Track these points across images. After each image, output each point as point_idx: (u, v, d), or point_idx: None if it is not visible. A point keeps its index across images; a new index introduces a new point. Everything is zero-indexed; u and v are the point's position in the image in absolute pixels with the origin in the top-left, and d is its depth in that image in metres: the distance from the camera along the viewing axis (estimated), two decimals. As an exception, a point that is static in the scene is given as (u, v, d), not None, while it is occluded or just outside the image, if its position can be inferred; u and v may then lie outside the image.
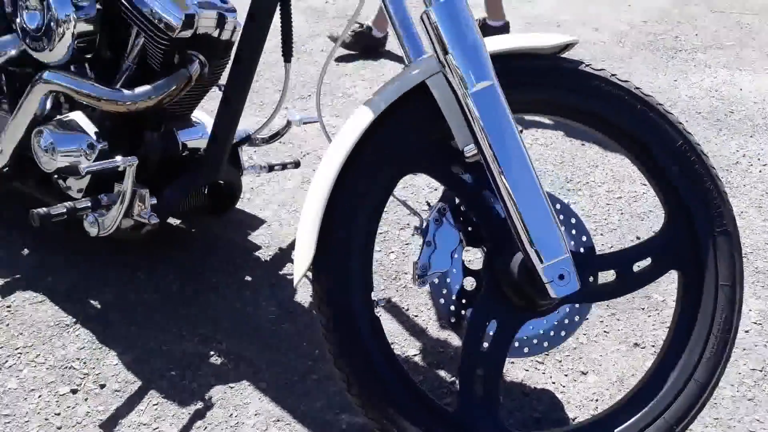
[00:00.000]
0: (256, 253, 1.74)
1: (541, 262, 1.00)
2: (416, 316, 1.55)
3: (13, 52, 1.54)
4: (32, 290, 1.59)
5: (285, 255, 1.74)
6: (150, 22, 1.31)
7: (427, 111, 1.09)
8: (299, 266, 1.06)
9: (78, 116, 1.44)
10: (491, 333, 1.14)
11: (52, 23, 1.31)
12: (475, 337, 1.13)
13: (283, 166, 1.79)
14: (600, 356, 1.42)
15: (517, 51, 1.10)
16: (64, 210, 1.28)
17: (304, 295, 1.59)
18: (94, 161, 1.38)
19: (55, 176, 1.49)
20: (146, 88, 1.34)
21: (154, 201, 1.37)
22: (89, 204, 1.33)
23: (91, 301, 1.55)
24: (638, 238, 1.81)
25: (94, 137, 1.42)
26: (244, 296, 1.58)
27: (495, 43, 1.09)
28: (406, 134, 1.10)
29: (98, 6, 1.34)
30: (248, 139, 1.62)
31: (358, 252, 1.09)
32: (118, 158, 1.30)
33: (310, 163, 2.13)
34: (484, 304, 1.13)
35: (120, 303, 1.55)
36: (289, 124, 1.65)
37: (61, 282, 1.61)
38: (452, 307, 1.20)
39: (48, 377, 1.36)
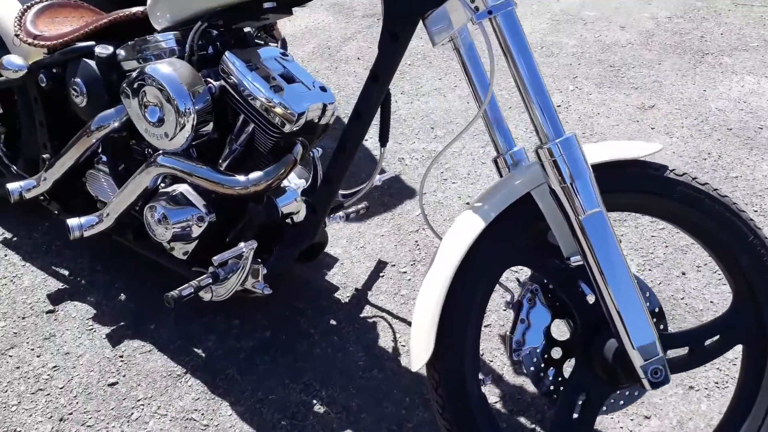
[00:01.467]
0: (336, 295, 1.89)
1: (639, 360, 1.16)
2: (491, 361, 1.72)
3: (116, 125, 1.64)
4: (139, 339, 1.74)
5: (361, 297, 1.89)
6: (264, 118, 1.42)
7: (530, 215, 1.23)
8: (418, 358, 1.22)
9: (186, 190, 1.57)
10: (580, 402, 1.31)
11: (172, 117, 1.42)
12: (568, 408, 1.30)
13: (357, 212, 1.92)
14: (660, 400, 1.60)
15: (613, 161, 1.22)
16: (192, 290, 1.42)
17: (386, 340, 1.75)
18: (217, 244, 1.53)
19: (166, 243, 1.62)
20: (258, 174, 1.46)
21: (266, 271, 1.51)
22: (211, 280, 1.47)
23: (196, 350, 1.71)
24: (683, 273, 1.97)
25: (204, 210, 1.55)
26: (333, 342, 1.74)
27: (595, 155, 1.22)
28: (510, 235, 1.24)
29: (210, 97, 1.45)
30: (341, 207, 1.76)
31: (471, 340, 1.24)
32: (242, 245, 1.44)
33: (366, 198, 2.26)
34: (577, 380, 1.29)
35: (222, 351, 1.71)
36: (371, 185, 1.78)
37: (162, 329, 1.76)
38: (541, 374, 1.37)
39: (173, 429, 1.54)
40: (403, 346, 1.73)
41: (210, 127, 1.46)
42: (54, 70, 1.75)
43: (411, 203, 2.26)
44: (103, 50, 1.65)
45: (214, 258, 1.42)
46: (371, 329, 1.79)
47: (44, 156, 1.87)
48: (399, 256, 2.03)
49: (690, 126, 2.69)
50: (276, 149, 1.48)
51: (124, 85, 1.51)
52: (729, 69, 3.11)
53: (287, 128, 1.42)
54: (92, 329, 1.78)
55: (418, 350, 1.23)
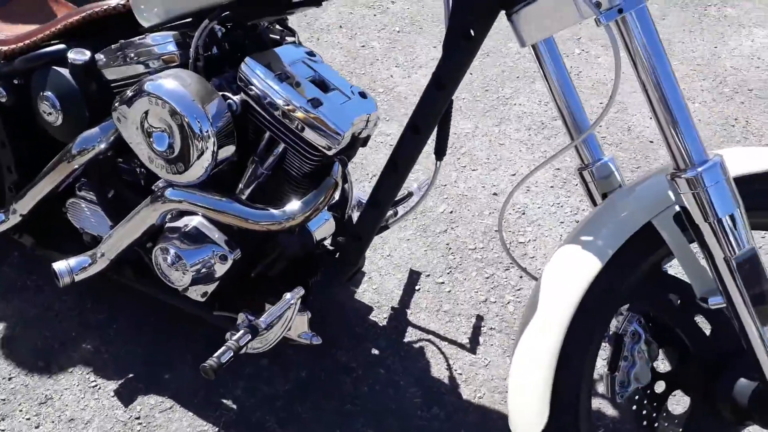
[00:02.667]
0: (372, 318, 1.67)
1: None
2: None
3: (102, 146, 1.35)
4: (154, 393, 1.49)
5: (400, 317, 1.68)
6: (300, 139, 1.16)
7: (650, 247, 1.03)
8: (528, 428, 1.03)
9: (201, 224, 1.30)
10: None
11: (187, 144, 1.14)
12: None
13: (384, 227, 1.68)
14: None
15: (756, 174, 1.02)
16: (232, 353, 1.18)
17: (438, 368, 1.55)
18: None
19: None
20: (295, 205, 1.21)
21: (310, 315, 1.28)
22: (250, 336, 1.22)
23: (224, 401, 1.48)
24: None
25: (226, 247, 1.29)
26: (380, 376, 1.53)
27: (735, 167, 1.01)
28: (628, 272, 1.04)
29: (231, 115, 1.17)
30: (384, 228, 1.52)
31: (585, 396, 1.06)
32: (288, 296, 1.19)
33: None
34: (697, 424, 1.13)
35: (255, 399, 1.48)
36: (410, 195, 1.54)
37: (180, 378, 1.52)
38: (644, 411, 1.20)
39: (215, 504, 1.32)
40: (459, 373, 1.54)
41: (231, 151, 1.19)
42: (15, 81, 1.42)
43: (433, 198, 2.04)
44: (79, 55, 1.33)
45: (261, 320, 1.18)
46: (419, 356, 1.58)
47: (10, 184, 1.55)
48: (432, 264, 1.82)
49: (710, 89, 2.53)
50: (314, 173, 1.23)
51: (118, 105, 1.21)
52: (735, 21, 2.95)
53: (331, 150, 1.16)
54: (96, 385, 1.51)
55: (528, 418, 1.03)
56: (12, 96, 1.43)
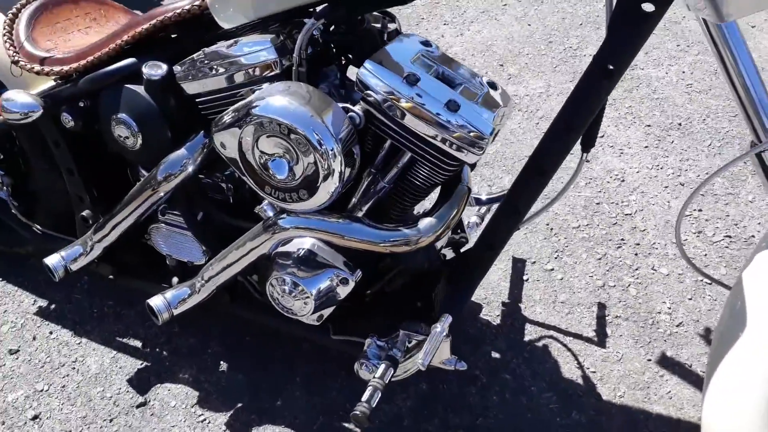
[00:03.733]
0: (483, 316, 1.55)
1: None
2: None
3: (190, 170, 1.19)
4: (269, 423, 1.38)
5: (514, 313, 1.55)
6: (436, 149, 1.00)
7: None
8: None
9: (317, 248, 1.15)
10: None
11: (312, 167, 0.99)
12: None
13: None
14: None
15: None
16: (380, 392, 1.06)
17: (568, 367, 1.43)
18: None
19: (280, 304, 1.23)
20: (430, 221, 1.06)
21: (450, 337, 1.15)
22: (392, 368, 1.10)
23: (346, 425, 1.37)
24: None
25: (345, 269, 1.15)
26: (507, 383, 1.42)
27: None
28: None
29: (354, 129, 1.01)
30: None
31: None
32: (438, 327, 1.06)
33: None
34: None
35: (379, 421, 1.36)
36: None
37: (292, 406, 1.41)
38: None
39: None
40: (593, 371, 1.43)
41: (355, 169, 1.04)
42: (81, 104, 1.26)
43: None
44: (155, 70, 1.16)
45: (420, 361, 1.05)
46: (545, 356, 1.47)
47: (84, 214, 1.41)
48: (536, 249, 1.68)
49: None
50: (444, 182, 1.08)
51: (219, 130, 1.05)
52: None
53: (472, 157, 1.00)
54: (204, 420, 1.41)
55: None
56: (79, 120, 1.26)
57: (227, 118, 1.04)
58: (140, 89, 1.19)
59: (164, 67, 1.16)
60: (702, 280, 1.57)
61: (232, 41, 1.09)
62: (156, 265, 1.49)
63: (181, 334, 1.57)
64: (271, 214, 1.15)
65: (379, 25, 1.15)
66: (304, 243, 1.17)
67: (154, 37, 1.21)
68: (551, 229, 1.73)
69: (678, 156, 1.88)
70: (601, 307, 1.54)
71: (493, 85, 1.08)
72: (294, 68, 1.05)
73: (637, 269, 1.62)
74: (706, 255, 1.63)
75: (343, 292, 1.17)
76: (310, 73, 1.07)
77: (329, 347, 1.47)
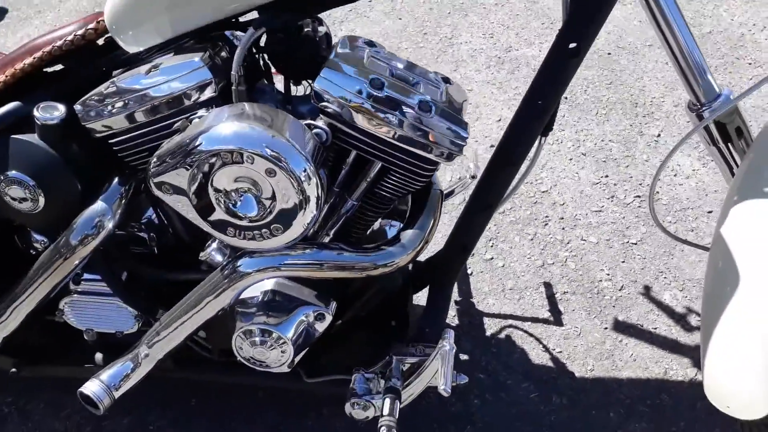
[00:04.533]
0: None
1: None
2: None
3: (110, 225, 1.00)
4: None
5: (469, 310, 1.51)
6: (413, 156, 0.91)
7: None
8: (754, 409, 0.93)
9: (282, 286, 1.02)
10: None
11: (287, 197, 0.85)
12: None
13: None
14: None
15: None
16: (396, 429, 0.95)
17: (536, 352, 1.42)
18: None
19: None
20: (412, 233, 0.97)
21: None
22: (398, 400, 1.00)
23: (332, 471, 1.25)
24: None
25: (320, 303, 1.03)
26: (483, 382, 1.37)
27: None
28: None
29: (321, 147, 0.89)
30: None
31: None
32: (446, 345, 0.97)
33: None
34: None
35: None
36: (474, 178, 1.34)
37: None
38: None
39: None
40: (559, 351, 1.43)
41: (325, 191, 0.92)
42: (-52, 168, 1.01)
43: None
44: (51, 113, 0.94)
45: (442, 387, 0.95)
46: (510, 346, 1.44)
47: (-32, 302, 1.14)
48: (470, 241, 1.66)
49: None
50: (418, 190, 1.00)
51: (157, 175, 0.88)
52: None
53: (452, 159, 0.94)
54: None
55: (753, 398, 0.94)
56: (-51, 190, 1.01)
57: (167, 157, 0.87)
58: (33, 138, 0.97)
59: (61, 107, 0.96)
60: (628, 242, 1.65)
61: (149, 65, 0.92)
62: (66, 343, 1.25)
63: (110, 416, 1.34)
64: (220, 258, 1.01)
65: (310, 29, 1.04)
66: (264, 284, 1.03)
67: (31, 75, 1.00)
68: (479, 218, 1.72)
69: (572, 128, 1.96)
70: (548, 286, 1.56)
71: (447, 80, 1.02)
72: (234, 87, 0.91)
73: (568, 242, 1.66)
74: (624, 218, 1.71)
75: (320, 328, 1.05)
76: (248, 92, 0.94)
77: (292, 390, 1.34)
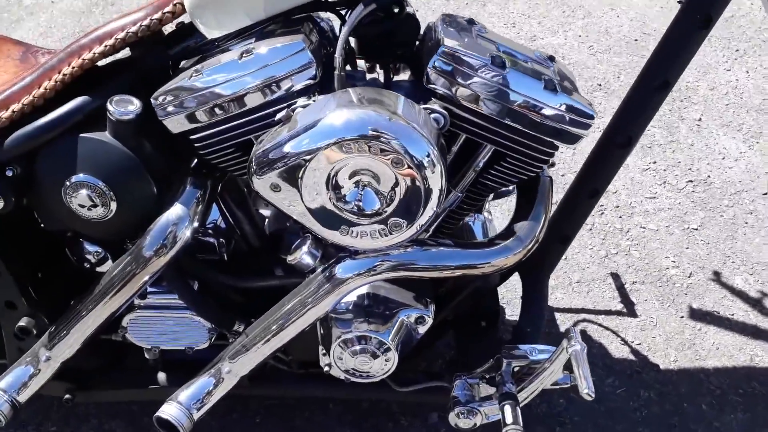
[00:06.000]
0: (510, 318, 1.42)
1: None
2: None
3: (188, 233, 0.90)
4: None
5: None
6: (536, 140, 0.83)
7: None
8: None
9: (379, 290, 0.93)
10: None
11: (414, 187, 0.76)
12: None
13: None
14: None
15: None
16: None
17: (615, 346, 1.34)
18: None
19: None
20: (529, 225, 0.89)
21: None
22: (518, 408, 0.92)
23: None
24: None
25: (419, 304, 0.95)
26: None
27: None
28: None
29: (439, 132, 0.81)
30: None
31: None
32: (576, 345, 0.89)
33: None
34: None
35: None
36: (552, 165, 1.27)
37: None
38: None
39: None
40: (638, 344, 1.36)
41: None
42: (9, 172, 0.89)
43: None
44: (125, 107, 0.84)
45: (585, 390, 0.87)
46: (588, 341, 1.36)
47: (22, 324, 1.02)
48: (526, 234, 1.59)
49: None
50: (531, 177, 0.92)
51: (262, 178, 0.78)
52: None
53: (579, 141, 0.86)
54: None
55: None
56: (9, 197, 0.89)
57: (275, 153, 0.77)
58: (105, 136, 0.87)
59: (137, 101, 0.86)
60: (688, 227, 1.60)
61: (239, 49, 0.83)
62: (119, 363, 1.15)
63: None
64: (310, 261, 0.91)
65: (401, 10, 0.95)
66: (359, 291, 0.94)
67: (94, 71, 0.89)
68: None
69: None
70: (615, 277, 1.50)
71: (552, 59, 0.94)
72: (337, 73, 0.82)
73: (628, 231, 1.60)
74: (680, 203, 1.66)
75: (422, 332, 0.97)
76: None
77: (363, 400, 1.25)
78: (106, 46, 0.85)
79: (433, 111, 0.81)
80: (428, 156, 0.76)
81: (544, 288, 1.12)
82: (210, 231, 1.07)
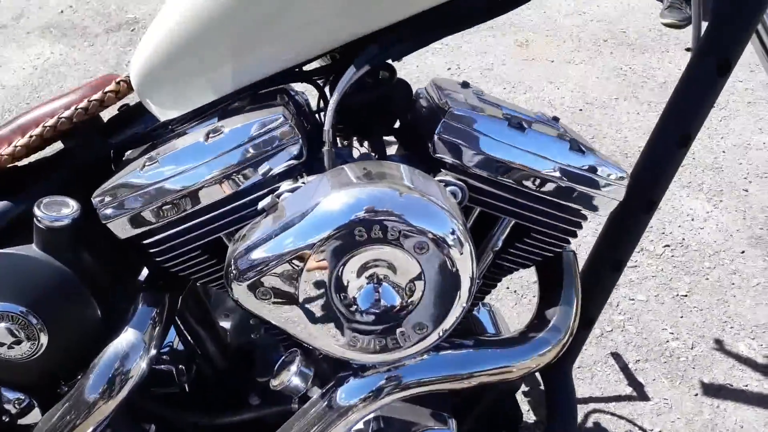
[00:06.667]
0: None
1: None
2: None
3: (145, 362, 0.70)
4: None
5: (536, 395, 1.28)
6: (564, 209, 0.71)
7: None
8: None
9: (394, 411, 0.75)
10: None
11: (442, 277, 0.60)
12: None
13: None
14: None
15: None
16: None
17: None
18: None
19: None
20: (563, 310, 0.76)
21: None
22: None
23: None
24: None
25: (440, 425, 0.77)
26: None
27: None
28: None
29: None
30: None
31: None
32: None
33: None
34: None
35: None
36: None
37: None
38: None
39: None
40: (660, 431, 1.22)
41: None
42: None
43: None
44: (59, 211, 0.66)
45: None
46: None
47: None
48: (514, 314, 1.45)
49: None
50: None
51: (246, 285, 0.60)
52: None
53: (605, 209, 0.74)
54: None
55: None
56: None
57: (262, 251, 0.60)
58: (30, 250, 0.67)
59: (72, 203, 0.68)
60: (677, 295, 1.51)
61: (201, 131, 0.67)
62: None
63: None
64: (301, 384, 0.73)
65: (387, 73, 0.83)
66: (368, 415, 0.76)
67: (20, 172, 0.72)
68: (515, 291, 1.52)
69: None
70: (617, 357, 1.37)
71: (556, 119, 0.84)
72: (326, 148, 0.68)
73: (618, 305, 1.49)
74: (662, 270, 1.58)
75: (455, 439, 0.79)
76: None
77: None
78: (31, 137, 0.67)
79: (448, 183, 0.68)
80: (453, 233, 0.62)
81: (570, 381, 0.97)
82: (164, 357, 0.87)
